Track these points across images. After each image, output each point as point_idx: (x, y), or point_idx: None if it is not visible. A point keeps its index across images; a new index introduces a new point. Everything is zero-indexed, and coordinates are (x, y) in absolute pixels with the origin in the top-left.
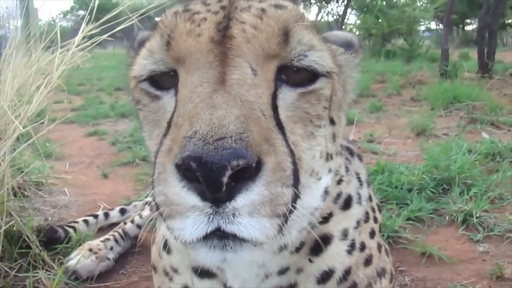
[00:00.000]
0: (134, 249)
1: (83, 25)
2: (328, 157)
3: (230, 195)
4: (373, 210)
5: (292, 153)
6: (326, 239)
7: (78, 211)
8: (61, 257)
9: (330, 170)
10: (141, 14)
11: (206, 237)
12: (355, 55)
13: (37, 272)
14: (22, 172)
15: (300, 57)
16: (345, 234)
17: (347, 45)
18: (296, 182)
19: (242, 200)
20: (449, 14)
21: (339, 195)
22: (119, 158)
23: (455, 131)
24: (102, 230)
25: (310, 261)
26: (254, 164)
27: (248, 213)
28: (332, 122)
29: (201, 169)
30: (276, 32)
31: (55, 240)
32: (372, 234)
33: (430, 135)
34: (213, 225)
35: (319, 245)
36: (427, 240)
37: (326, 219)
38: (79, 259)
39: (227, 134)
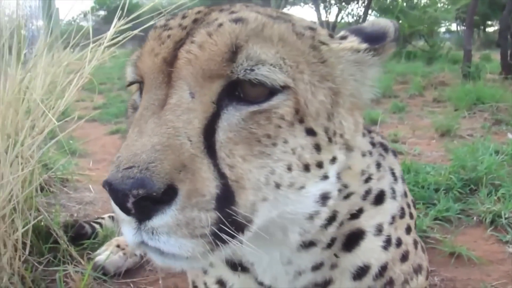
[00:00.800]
0: None
1: (115, 20)
2: (310, 167)
3: (148, 215)
4: (409, 206)
5: (223, 176)
6: (358, 234)
7: (103, 208)
8: (88, 252)
9: (325, 177)
10: (161, 14)
11: (145, 244)
12: (374, 52)
13: (66, 267)
14: (48, 168)
15: (246, 72)
16: (379, 229)
17: (382, 36)
18: (229, 203)
19: (157, 221)
20: (472, 15)
21: (368, 192)
22: None
23: (479, 132)
24: None
25: (336, 256)
26: (157, 193)
27: (165, 233)
28: (310, 133)
29: (111, 194)
30: (221, 50)
31: (82, 236)
32: (408, 230)
33: (454, 136)
34: (139, 238)
35: (351, 241)
36: (456, 240)
37: (355, 215)
38: (108, 255)
39: (136, 163)
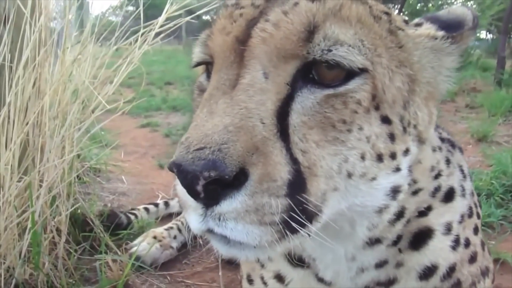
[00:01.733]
0: (196, 240)
1: (167, 5)
2: (383, 157)
3: (217, 200)
4: (476, 206)
5: (295, 162)
6: (426, 233)
7: (136, 199)
8: (126, 242)
9: (397, 169)
10: (190, 12)
11: (211, 231)
12: (452, 40)
13: (103, 256)
14: (81, 158)
15: (323, 53)
16: (448, 228)
17: (458, 25)
18: (301, 190)
19: (226, 207)
20: (507, 22)
21: (437, 189)
22: (174, 150)
23: None
24: (161, 220)
25: (400, 251)
26: (230, 176)
27: (233, 218)
28: (386, 121)
29: (180, 176)
30: (297, 29)
31: (117, 226)
32: (475, 230)
33: (491, 142)
34: (206, 225)
35: (419, 239)
36: (499, 247)
37: (423, 213)
38: (147, 246)
39: (208, 144)
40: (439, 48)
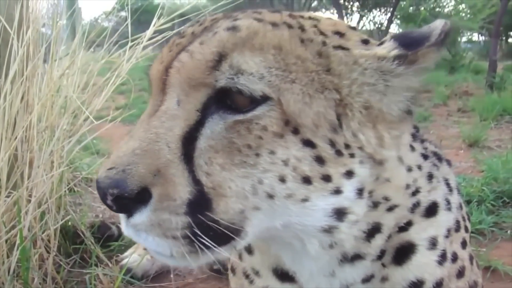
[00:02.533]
0: None
1: (155, 19)
2: (312, 180)
3: (130, 213)
4: (464, 219)
5: (198, 183)
6: (409, 248)
7: None
8: (117, 254)
9: (336, 191)
10: (181, 16)
11: None
12: (403, 60)
13: (94, 269)
14: (72, 167)
15: (228, 81)
16: (433, 243)
17: (421, 41)
18: (204, 209)
19: (137, 219)
20: (498, 26)
21: (416, 205)
22: None
23: (508, 143)
24: None
25: (383, 266)
26: (130, 194)
27: (144, 230)
28: (308, 144)
29: (97, 191)
30: (206, 59)
31: (108, 237)
32: (463, 244)
33: (483, 147)
34: (128, 232)
35: (401, 254)
36: (490, 254)
37: (404, 228)
38: (137, 258)
39: (116, 165)
40: (386, 69)
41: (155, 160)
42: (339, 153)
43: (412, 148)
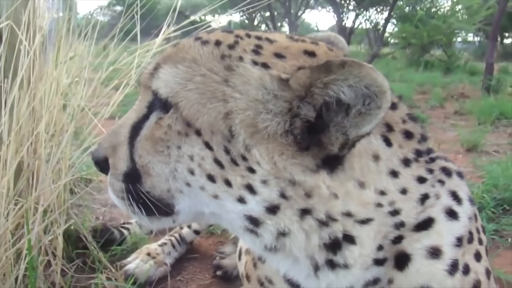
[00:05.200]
0: (189, 255)
1: (164, 27)
2: (215, 179)
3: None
4: (478, 231)
5: (132, 160)
6: (403, 257)
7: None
8: (119, 258)
9: (240, 200)
10: (176, 12)
11: None
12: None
13: (95, 274)
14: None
15: (154, 85)
16: (432, 252)
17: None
18: (135, 181)
19: (107, 179)
20: (496, 28)
21: (400, 224)
22: None
23: (505, 148)
24: (155, 234)
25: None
26: (96, 160)
27: (109, 188)
28: (208, 146)
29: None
30: (150, 69)
31: (110, 241)
32: (477, 256)
33: (481, 152)
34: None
35: (400, 262)
36: (492, 263)
37: (395, 241)
38: (141, 264)
39: (100, 140)
40: (276, 91)
41: (115, 139)
42: (234, 162)
43: (394, 174)
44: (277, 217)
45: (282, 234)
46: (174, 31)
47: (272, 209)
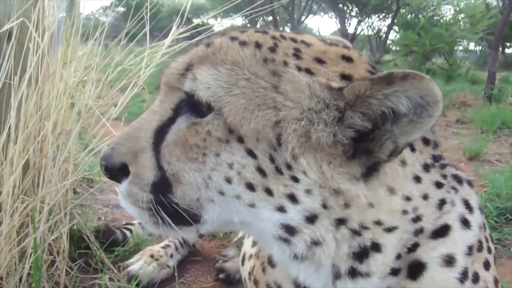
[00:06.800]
0: (192, 258)
1: (174, 28)
2: (256, 188)
3: (120, 182)
4: (487, 240)
5: (161, 169)
6: (418, 265)
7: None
8: (122, 260)
9: (280, 209)
10: (181, 15)
11: None
12: (337, 92)
13: (98, 274)
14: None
15: (188, 86)
16: (447, 260)
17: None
18: (166, 191)
19: (121, 187)
20: (498, 38)
21: (420, 230)
22: None
23: (507, 157)
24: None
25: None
26: (112, 167)
27: (124, 197)
28: (251, 154)
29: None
30: (178, 68)
31: (113, 242)
32: (486, 265)
33: (483, 160)
34: (119, 197)
35: (414, 271)
36: None
37: (410, 250)
38: (143, 265)
39: (111, 144)
40: (330, 101)
41: (135, 144)
42: (278, 170)
43: (418, 180)
44: (314, 227)
45: (315, 243)
46: (181, 33)
47: (311, 219)
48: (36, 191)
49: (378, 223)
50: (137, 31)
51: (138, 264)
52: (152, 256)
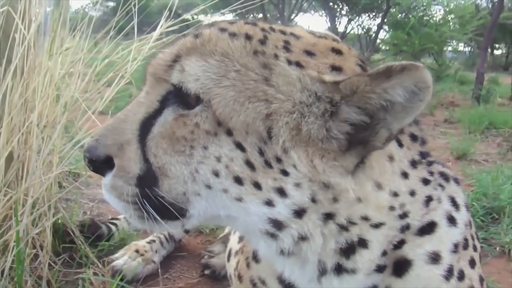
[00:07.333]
0: (178, 253)
1: (162, 21)
2: (243, 181)
3: (103, 174)
4: (472, 238)
5: (147, 161)
6: (404, 263)
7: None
8: (107, 254)
9: (268, 203)
10: (169, 10)
11: None
12: (332, 86)
13: (82, 268)
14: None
15: (175, 78)
16: (433, 257)
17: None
18: (152, 184)
19: (105, 180)
20: (488, 39)
21: (406, 227)
22: None
23: (494, 157)
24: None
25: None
26: (96, 159)
27: (108, 190)
28: (239, 147)
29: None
30: (166, 59)
31: (98, 236)
32: (472, 263)
33: (470, 160)
34: (103, 190)
35: (400, 268)
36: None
37: (396, 246)
38: (128, 260)
39: (95, 136)
40: (323, 94)
41: (120, 136)
42: (268, 164)
43: (405, 176)
44: (302, 221)
45: (303, 238)
46: (168, 27)
47: (299, 213)
48: (20, 184)
49: (365, 218)
50: (126, 25)
51: (123, 259)
52: (137, 251)
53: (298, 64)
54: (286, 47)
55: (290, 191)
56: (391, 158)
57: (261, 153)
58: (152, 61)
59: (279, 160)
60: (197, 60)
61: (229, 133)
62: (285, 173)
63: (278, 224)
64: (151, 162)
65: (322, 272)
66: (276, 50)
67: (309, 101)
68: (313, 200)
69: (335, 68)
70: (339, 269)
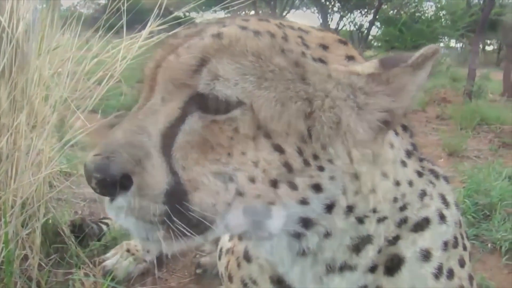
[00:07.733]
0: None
1: (151, 20)
2: (279, 184)
3: (114, 196)
4: (462, 237)
5: (175, 174)
6: (398, 260)
7: None
8: (99, 254)
9: (303, 202)
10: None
11: None
12: (373, 78)
13: (72, 269)
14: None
15: (205, 86)
16: (425, 255)
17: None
18: (181, 199)
19: (119, 202)
20: (479, 36)
21: (404, 220)
22: None
23: (486, 153)
24: None
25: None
26: (111, 179)
27: (124, 213)
28: (278, 149)
29: (84, 173)
30: (189, 63)
31: (89, 236)
32: (461, 262)
33: (462, 156)
34: (110, 214)
35: (392, 265)
36: (472, 268)
37: (391, 242)
38: (120, 260)
39: (102, 152)
40: (358, 86)
41: (137, 150)
42: (306, 162)
43: (404, 164)
44: (330, 216)
45: (326, 235)
46: (159, 25)
47: (330, 207)
48: (9, 184)
49: (374, 211)
50: (116, 23)
51: (114, 258)
52: (128, 250)
53: (321, 60)
54: (304, 43)
55: (326, 185)
56: (391, 145)
57: (300, 152)
58: (165, 65)
59: (316, 157)
60: (229, 62)
61: (268, 136)
62: (321, 168)
63: (307, 223)
64: (179, 175)
65: (328, 271)
66: (299, 47)
67: (344, 95)
68: (344, 192)
69: (350, 58)
70: (344, 266)
